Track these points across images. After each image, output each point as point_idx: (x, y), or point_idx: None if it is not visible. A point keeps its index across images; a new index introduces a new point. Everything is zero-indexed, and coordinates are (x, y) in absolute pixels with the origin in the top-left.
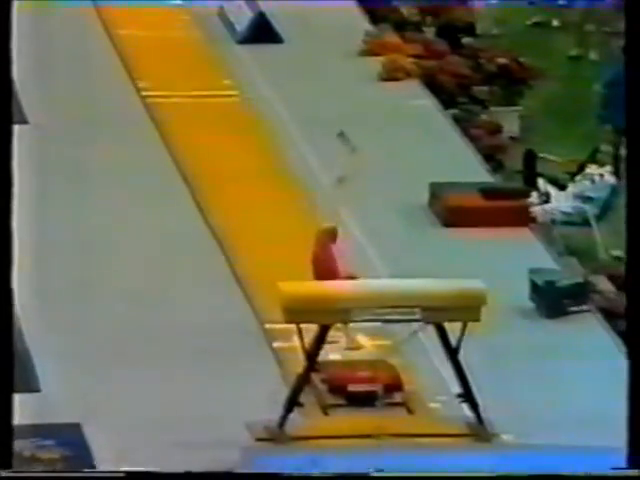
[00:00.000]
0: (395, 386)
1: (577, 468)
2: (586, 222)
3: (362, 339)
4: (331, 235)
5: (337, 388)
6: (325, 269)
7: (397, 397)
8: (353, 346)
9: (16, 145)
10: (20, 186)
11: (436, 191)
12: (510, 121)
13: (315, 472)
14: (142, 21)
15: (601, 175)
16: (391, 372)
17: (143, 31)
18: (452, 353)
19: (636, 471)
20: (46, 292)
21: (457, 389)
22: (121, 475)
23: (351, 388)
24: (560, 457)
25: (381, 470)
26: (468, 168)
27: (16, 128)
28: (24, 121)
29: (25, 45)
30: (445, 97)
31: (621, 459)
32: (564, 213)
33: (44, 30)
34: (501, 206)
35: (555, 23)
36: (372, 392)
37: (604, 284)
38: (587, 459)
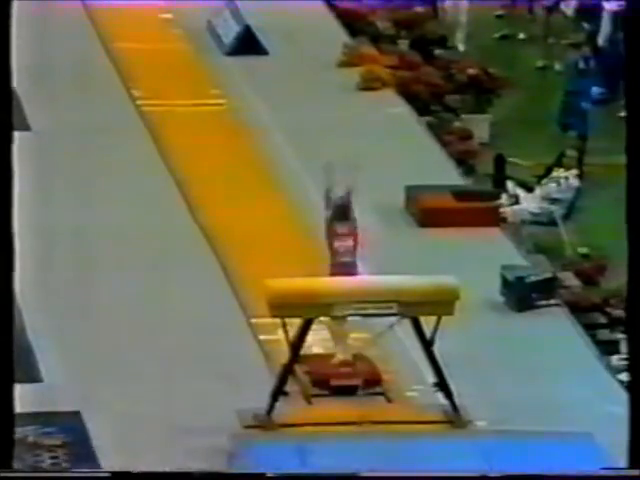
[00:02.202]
0: (374, 381)
1: (546, 451)
2: (553, 222)
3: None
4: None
5: (320, 382)
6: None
7: (376, 387)
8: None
9: (21, 151)
10: (22, 190)
11: (411, 193)
12: (480, 128)
13: (311, 472)
14: (136, 34)
15: (566, 178)
16: (369, 366)
17: (137, 44)
18: (427, 345)
19: (636, 471)
20: (47, 286)
21: (432, 379)
22: (107, 475)
23: (333, 383)
24: (530, 442)
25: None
26: (441, 172)
27: (20, 135)
28: (27, 128)
29: (24, 55)
30: (419, 105)
31: (589, 443)
32: (532, 213)
33: (43, 41)
34: (473, 207)
35: (521, 36)
36: (353, 386)
37: (570, 280)
38: (556, 442)
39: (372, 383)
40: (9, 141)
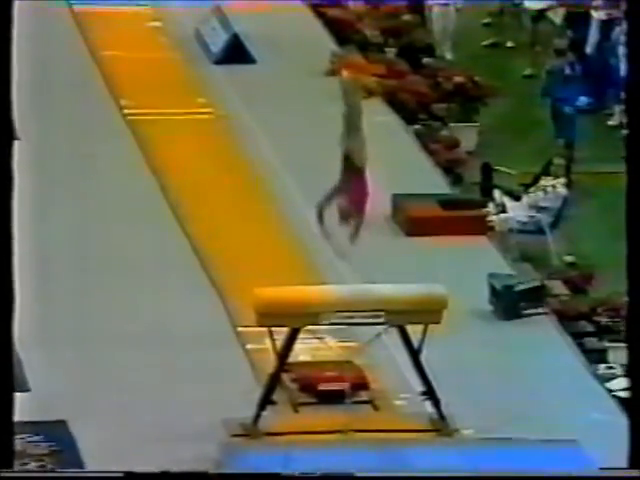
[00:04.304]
0: (361, 385)
1: (533, 458)
2: (540, 230)
3: (330, 341)
4: None
5: (307, 387)
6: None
7: (364, 395)
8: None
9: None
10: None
11: (398, 202)
12: (467, 136)
13: (310, 472)
14: (124, 43)
15: (553, 186)
16: (357, 372)
17: (125, 52)
18: (414, 354)
19: (636, 471)
20: (34, 295)
21: (420, 387)
22: (120, 475)
23: (321, 387)
24: (517, 449)
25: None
26: (428, 181)
27: None
28: (15, 137)
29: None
30: (406, 114)
31: (575, 450)
32: (519, 222)
33: (29, 48)
34: (460, 216)
35: (509, 44)
36: (340, 390)
37: (558, 288)
38: (542, 450)
39: (359, 387)
40: (9, 151)
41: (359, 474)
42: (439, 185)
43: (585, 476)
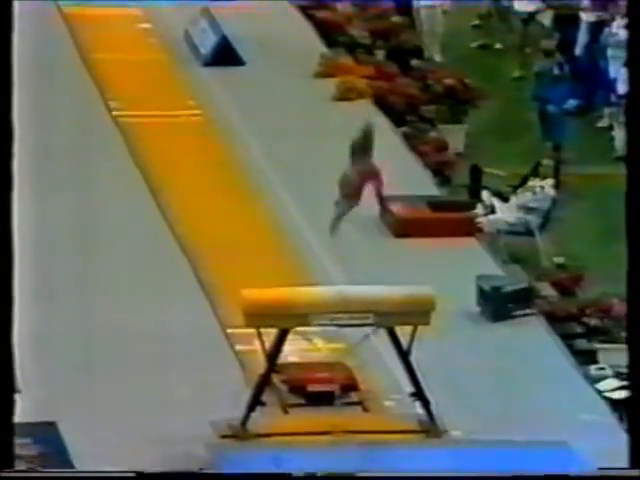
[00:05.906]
0: (351, 386)
1: (522, 460)
2: (529, 232)
3: (319, 342)
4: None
5: (296, 388)
6: None
7: (353, 396)
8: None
9: None
10: None
11: (387, 204)
12: (456, 138)
13: (305, 472)
14: (114, 45)
15: (542, 187)
16: (347, 373)
17: (115, 54)
18: (404, 355)
19: (636, 471)
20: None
21: (409, 388)
22: (131, 475)
23: (310, 388)
24: (506, 451)
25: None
26: (417, 182)
27: None
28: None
29: None
30: (395, 116)
31: (565, 452)
32: (508, 223)
33: (22, 52)
34: (448, 218)
35: (498, 46)
36: (329, 392)
37: (547, 290)
38: (532, 451)
39: (349, 388)
40: (9, 152)
41: (360, 474)
42: (427, 187)
43: (585, 476)
